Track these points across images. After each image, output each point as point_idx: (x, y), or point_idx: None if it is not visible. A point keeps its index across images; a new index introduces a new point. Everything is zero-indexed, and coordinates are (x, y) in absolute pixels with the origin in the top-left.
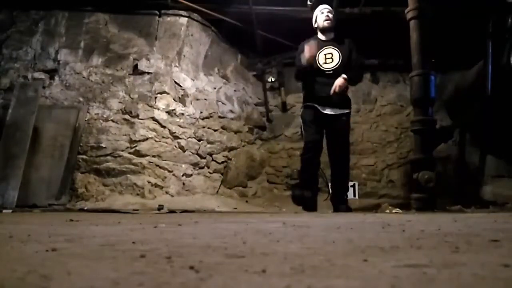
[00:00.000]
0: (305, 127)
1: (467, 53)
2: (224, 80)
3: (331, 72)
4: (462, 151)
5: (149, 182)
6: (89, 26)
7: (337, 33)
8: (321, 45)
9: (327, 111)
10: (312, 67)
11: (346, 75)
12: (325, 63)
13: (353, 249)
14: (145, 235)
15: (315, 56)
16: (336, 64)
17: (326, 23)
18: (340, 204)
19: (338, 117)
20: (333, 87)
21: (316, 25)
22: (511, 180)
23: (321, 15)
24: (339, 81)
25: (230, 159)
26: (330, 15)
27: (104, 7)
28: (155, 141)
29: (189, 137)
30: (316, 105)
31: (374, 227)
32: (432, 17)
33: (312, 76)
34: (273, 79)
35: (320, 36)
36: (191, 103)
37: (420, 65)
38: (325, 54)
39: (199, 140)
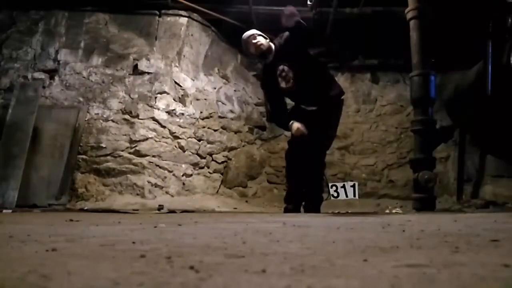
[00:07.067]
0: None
1: (467, 53)
2: (224, 80)
3: (295, 88)
4: (462, 151)
5: (149, 182)
6: (89, 26)
7: (272, 43)
8: (274, 70)
9: (309, 108)
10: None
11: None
12: (288, 82)
13: (353, 249)
14: (145, 235)
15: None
16: (293, 78)
17: (260, 50)
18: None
19: (316, 111)
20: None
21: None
22: (511, 180)
23: (252, 44)
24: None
25: (230, 159)
26: (260, 38)
27: (104, 7)
28: (155, 141)
29: (189, 137)
30: (297, 121)
31: (374, 227)
32: (432, 17)
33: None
34: None
35: (265, 59)
36: (191, 103)
37: (420, 65)
38: (282, 77)
39: (199, 140)
